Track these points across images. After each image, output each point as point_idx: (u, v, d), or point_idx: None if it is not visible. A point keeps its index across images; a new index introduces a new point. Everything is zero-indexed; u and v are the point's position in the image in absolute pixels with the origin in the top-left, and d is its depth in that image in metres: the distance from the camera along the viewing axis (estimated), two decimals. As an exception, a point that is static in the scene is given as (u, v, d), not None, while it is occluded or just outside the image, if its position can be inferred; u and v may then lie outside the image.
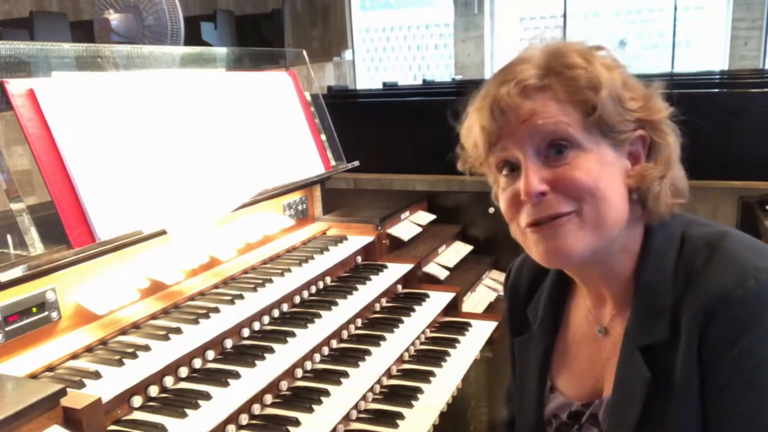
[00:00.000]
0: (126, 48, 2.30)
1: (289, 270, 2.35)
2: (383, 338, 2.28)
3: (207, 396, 1.69)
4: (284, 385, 1.94)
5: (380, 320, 2.44)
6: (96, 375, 1.58)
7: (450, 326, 2.60)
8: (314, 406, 1.86)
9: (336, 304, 2.30)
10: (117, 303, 1.87)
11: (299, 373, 2.03)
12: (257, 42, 8.22)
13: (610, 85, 1.04)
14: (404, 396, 2.06)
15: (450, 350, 2.38)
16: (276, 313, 2.19)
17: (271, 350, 1.94)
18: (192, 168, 2.16)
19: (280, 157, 2.65)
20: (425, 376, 2.18)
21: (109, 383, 1.56)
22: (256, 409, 1.82)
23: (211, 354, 1.88)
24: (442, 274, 3.00)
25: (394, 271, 2.68)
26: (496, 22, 9.64)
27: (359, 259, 2.76)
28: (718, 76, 6.73)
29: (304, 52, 3.21)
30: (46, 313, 1.69)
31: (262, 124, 2.61)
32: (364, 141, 4.00)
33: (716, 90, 5.09)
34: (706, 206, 4.07)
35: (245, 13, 9.82)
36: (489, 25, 9.55)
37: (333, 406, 1.89)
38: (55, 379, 1.57)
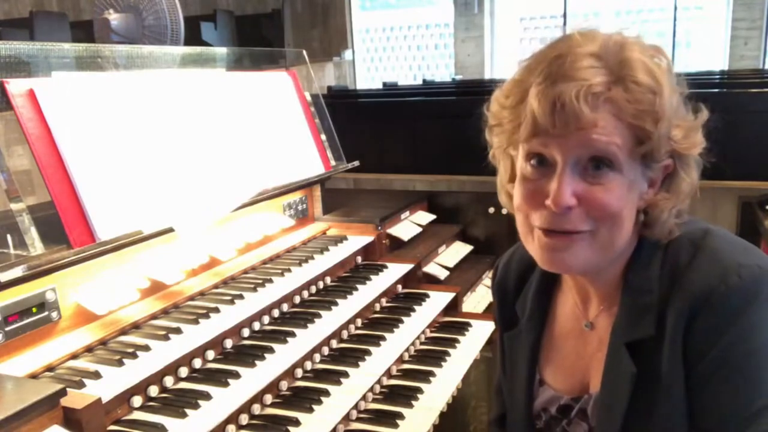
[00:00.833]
0: (126, 48, 2.30)
1: (289, 270, 2.35)
2: (383, 338, 2.28)
3: (207, 396, 1.69)
4: (284, 385, 1.94)
5: (380, 320, 2.44)
6: (96, 375, 1.58)
7: (450, 326, 2.60)
8: (314, 406, 1.86)
9: (336, 304, 2.30)
10: (117, 303, 1.87)
11: (299, 373, 2.03)
12: (257, 42, 8.22)
13: (669, 117, 1.01)
14: (404, 396, 2.06)
15: (450, 350, 2.38)
16: (276, 313, 2.19)
17: (271, 350, 1.94)
18: (192, 168, 2.16)
19: (280, 157, 2.65)
20: (425, 376, 2.18)
21: (109, 383, 1.56)
22: (256, 409, 1.82)
23: (211, 354, 1.88)
24: (442, 274, 3.00)
25: (394, 271, 2.68)
26: (496, 22, 9.64)
27: (359, 259, 2.76)
28: (718, 76, 6.72)
29: (304, 52, 3.21)
30: (46, 313, 1.69)
31: (262, 124, 2.61)
32: (364, 141, 4.00)
33: (716, 90, 5.09)
34: (706, 206, 4.07)
35: (245, 13, 9.82)
36: (489, 25, 9.54)
37: (333, 406, 1.89)
38: (55, 379, 1.57)
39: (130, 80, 2.12)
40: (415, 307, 2.56)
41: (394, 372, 2.24)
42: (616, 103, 0.99)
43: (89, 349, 1.73)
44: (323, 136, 2.97)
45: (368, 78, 10.76)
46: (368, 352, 2.18)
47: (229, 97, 2.51)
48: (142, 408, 1.65)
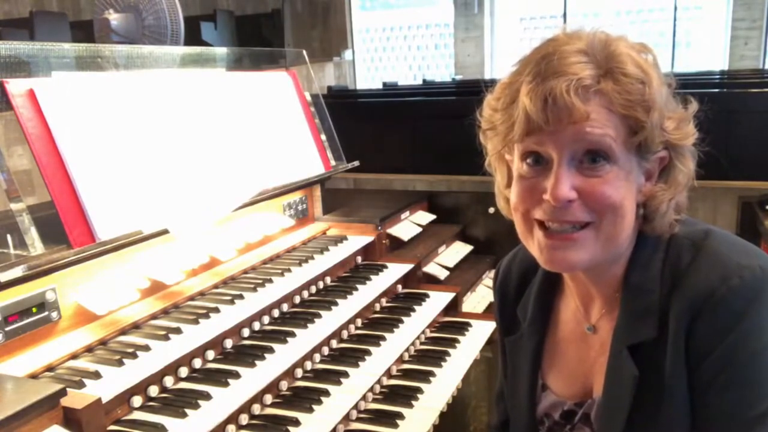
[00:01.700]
0: (126, 48, 2.29)
1: (289, 270, 2.35)
2: (383, 338, 2.28)
3: (207, 396, 1.69)
4: (284, 385, 1.94)
5: (380, 320, 2.44)
6: (96, 375, 1.58)
7: (450, 326, 2.60)
8: (314, 406, 1.86)
9: (336, 304, 2.30)
10: (117, 303, 1.87)
11: (299, 373, 2.03)
12: (257, 42, 8.22)
13: (660, 107, 1.02)
14: (404, 396, 2.06)
15: (450, 350, 2.38)
16: (276, 313, 2.19)
17: (271, 350, 1.94)
18: (192, 168, 2.16)
19: (280, 157, 2.65)
20: (425, 376, 2.18)
21: (109, 383, 1.56)
22: (256, 409, 1.82)
23: (211, 354, 1.88)
24: (442, 274, 3.00)
25: (394, 271, 2.68)
26: (496, 22, 9.63)
27: (359, 259, 2.76)
28: (718, 76, 6.72)
29: (304, 52, 3.21)
30: (46, 313, 1.69)
31: (262, 124, 2.61)
32: (364, 141, 4.00)
33: (716, 90, 5.09)
34: (706, 206, 4.07)
35: (245, 13, 9.81)
36: (489, 25, 9.54)
37: (333, 406, 1.89)
38: (55, 379, 1.57)
39: (130, 80, 2.12)
40: (415, 307, 2.56)
41: (394, 372, 2.24)
42: (607, 95, 1.00)
43: (89, 349, 1.73)
44: (323, 136, 2.96)
45: (368, 78, 10.76)
46: (368, 352, 2.18)
47: (229, 97, 2.51)
48: (142, 408, 1.64)
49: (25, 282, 1.63)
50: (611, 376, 1.12)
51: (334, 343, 2.24)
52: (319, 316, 2.19)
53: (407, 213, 3.21)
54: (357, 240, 2.76)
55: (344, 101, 6.14)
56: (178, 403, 1.66)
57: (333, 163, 2.97)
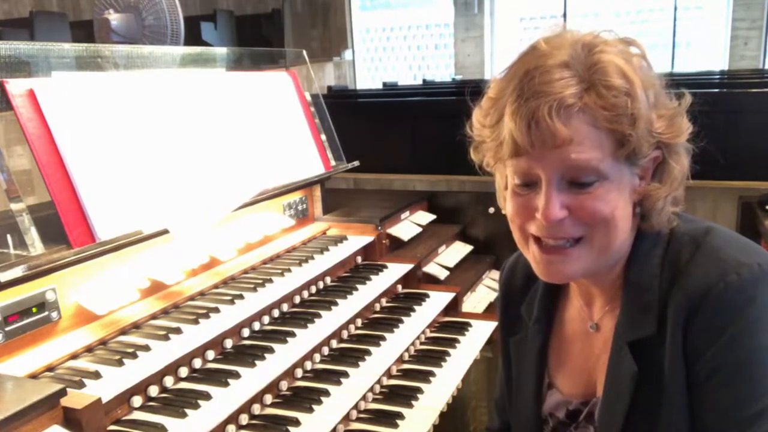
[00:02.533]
0: (126, 48, 2.29)
1: (289, 270, 2.35)
2: (383, 338, 2.28)
3: (207, 396, 1.69)
4: (284, 385, 1.94)
5: (380, 320, 2.44)
6: (96, 375, 1.58)
7: (450, 326, 2.60)
8: (314, 406, 1.86)
9: (336, 304, 2.30)
10: (117, 303, 1.87)
11: (299, 373, 2.03)
12: (257, 42, 8.22)
13: (647, 115, 1.01)
14: (404, 396, 2.06)
15: (450, 350, 2.38)
16: (276, 313, 2.19)
17: (271, 350, 1.94)
18: (192, 168, 2.16)
19: (280, 157, 2.65)
20: (425, 376, 2.18)
21: (109, 383, 1.56)
22: (256, 409, 1.82)
23: (211, 354, 1.88)
24: (442, 274, 3.00)
25: (394, 271, 2.68)
26: (496, 22, 9.64)
27: (359, 259, 2.76)
28: (718, 76, 6.73)
29: (304, 52, 3.21)
30: (46, 313, 1.69)
31: (262, 124, 2.61)
32: (364, 141, 4.00)
33: (716, 90, 5.09)
34: (706, 206, 4.07)
35: (245, 13, 9.82)
36: (489, 25, 9.55)
37: (333, 406, 1.89)
38: (55, 379, 1.57)
39: (130, 80, 2.12)
40: (415, 307, 2.56)
41: (394, 372, 2.24)
42: (591, 111, 0.99)
43: (89, 349, 1.73)
44: (323, 136, 2.96)
45: (368, 78, 10.77)
46: (368, 352, 2.18)
47: (229, 97, 2.51)
48: (142, 408, 1.64)
49: (25, 282, 1.63)
50: (612, 373, 1.12)
51: (334, 343, 2.24)
52: (319, 316, 2.19)
53: (407, 213, 3.21)
54: (357, 240, 2.77)
55: (344, 101, 6.14)
56: (178, 403, 1.66)
57: (333, 163, 2.97)
